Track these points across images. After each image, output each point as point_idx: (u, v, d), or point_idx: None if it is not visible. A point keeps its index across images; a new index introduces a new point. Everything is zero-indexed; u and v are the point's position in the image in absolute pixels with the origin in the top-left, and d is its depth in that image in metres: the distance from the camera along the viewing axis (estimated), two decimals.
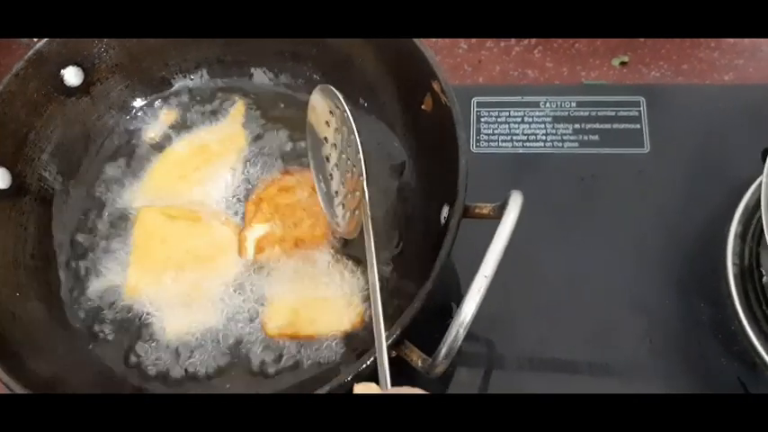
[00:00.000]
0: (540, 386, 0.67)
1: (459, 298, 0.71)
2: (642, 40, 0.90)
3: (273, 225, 0.72)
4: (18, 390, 0.56)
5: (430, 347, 0.55)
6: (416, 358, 0.55)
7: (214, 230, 0.72)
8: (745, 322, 0.67)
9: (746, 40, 0.89)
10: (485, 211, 0.59)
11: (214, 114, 0.79)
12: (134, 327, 0.68)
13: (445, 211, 0.63)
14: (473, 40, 0.93)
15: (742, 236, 0.70)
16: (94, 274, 0.71)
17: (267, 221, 0.72)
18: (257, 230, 0.72)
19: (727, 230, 0.70)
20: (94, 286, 0.71)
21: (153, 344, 0.67)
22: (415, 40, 0.66)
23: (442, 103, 0.63)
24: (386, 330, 0.57)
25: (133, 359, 0.67)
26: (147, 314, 0.69)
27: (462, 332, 0.50)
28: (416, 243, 0.69)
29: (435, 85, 0.64)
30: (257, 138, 0.78)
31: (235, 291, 0.69)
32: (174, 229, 0.71)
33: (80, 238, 0.73)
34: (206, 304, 0.68)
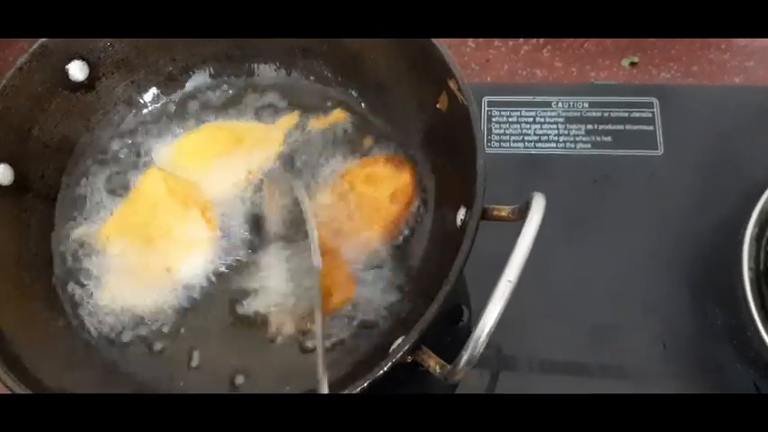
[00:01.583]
0: (550, 389, 0.65)
1: (467, 300, 0.71)
2: (652, 40, 0.89)
3: (338, 205, 0.70)
4: (18, 390, 0.55)
5: (440, 352, 0.54)
6: (434, 364, 0.54)
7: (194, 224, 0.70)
8: (760, 327, 0.66)
9: (757, 42, 0.88)
10: (503, 214, 0.57)
11: (224, 108, 0.78)
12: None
13: (462, 212, 0.61)
14: (481, 39, 0.92)
15: (758, 239, 0.69)
16: (98, 276, 0.69)
17: (336, 200, 0.71)
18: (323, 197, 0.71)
19: (743, 234, 0.69)
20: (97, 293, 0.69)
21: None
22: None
23: (459, 102, 0.62)
24: (403, 335, 0.56)
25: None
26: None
27: (485, 338, 0.49)
28: (430, 246, 0.67)
29: (452, 84, 0.62)
30: None
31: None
32: (168, 202, 0.70)
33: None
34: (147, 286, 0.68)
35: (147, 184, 0.71)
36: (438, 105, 0.66)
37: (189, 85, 0.78)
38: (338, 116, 0.76)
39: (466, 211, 0.60)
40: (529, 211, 0.51)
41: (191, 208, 0.70)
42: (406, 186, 0.71)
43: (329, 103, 0.76)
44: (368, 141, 0.74)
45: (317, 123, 0.76)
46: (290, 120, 0.76)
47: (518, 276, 0.50)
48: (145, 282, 0.68)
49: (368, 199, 0.70)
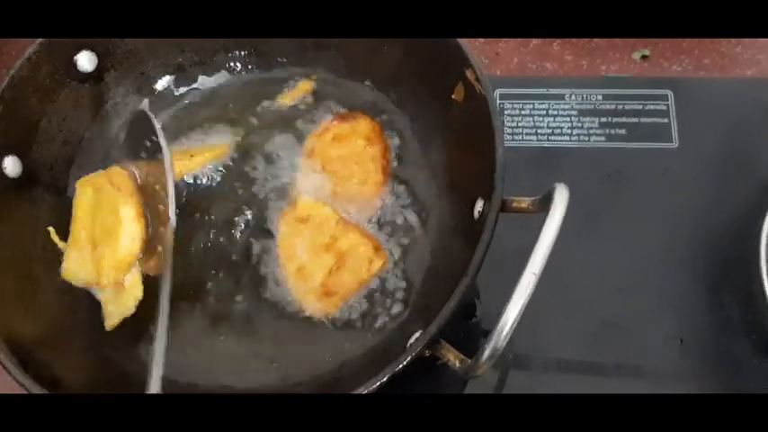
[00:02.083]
0: (565, 387, 0.65)
1: (478, 295, 0.70)
2: None
3: (324, 178, 0.70)
4: (32, 387, 0.54)
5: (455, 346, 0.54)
6: (454, 359, 0.53)
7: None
8: None
9: None
10: (523, 205, 0.57)
11: (232, 100, 0.77)
12: None
13: (479, 204, 0.61)
14: None
15: None
16: None
17: (318, 172, 0.71)
18: (308, 182, 0.70)
19: (759, 227, 0.68)
20: None
21: None
22: None
23: (476, 93, 0.61)
24: (421, 330, 0.55)
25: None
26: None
27: (509, 331, 0.48)
28: (447, 238, 0.66)
29: (469, 74, 0.62)
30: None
31: None
32: (105, 199, 0.67)
33: None
34: None
35: (79, 200, 0.69)
36: (454, 96, 0.65)
37: (199, 77, 0.77)
38: (304, 87, 0.76)
39: (484, 203, 0.59)
40: (552, 202, 0.51)
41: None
42: (372, 126, 0.72)
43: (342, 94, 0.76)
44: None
45: (285, 98, 0.76)
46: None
47: (542, 269, 0.49)
48: None
49: (347, 156, 0.71)
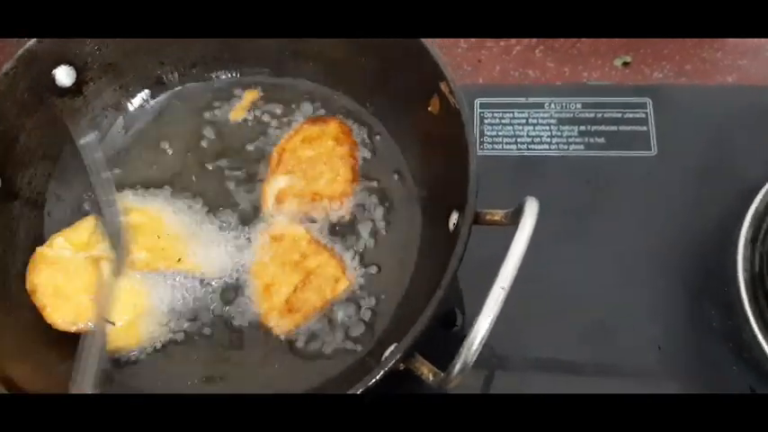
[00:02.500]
0: (545, 390, 0.64)
1: (460, 305, 0.70)
2: (644, 40, 0.88)
3: (293, 178, 0.70)
4: None
5: (433, 357, 0.54)
6: (427, 372, 0.53)
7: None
8: (756, 329, 0.65)
9: (749, 41, 0.88)
10: (496, 218, 0.57)
11: (213, 110, 0.77)
12: None
13: (454, 217, 0.61)
14: (473, 39, 0.91)
15: (752, 241, 0.69)
16: None
17: (287, 174, 0.71)
18: (278, 182, 0.71)
19: (738, 235, 0.69)
20: None
21: None
22: (421, 40, 0.64)
23: (451, 105, 0.61)
24: (395, 342, 0.55)
25: None
26: None
27: (478, 346, 0.48)
28: (422, 250, 0.67)
29: (443, 86, 0.62)
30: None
31: None
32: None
33: None
34: None
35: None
36: (429, 108, 0.66)
37: (177, 89, 0.77)
38: (251, 96, 0.77)
39: (458, 216, 0.59)
40: (522, 215, 0.51)
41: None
42: (341, 128, 0.73)
43: (318, 105, 0.76)
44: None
45: (236, 114, 0.76)
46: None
47: (511, 283, 0.49)
48: None
49: (316, 156, 0.71)
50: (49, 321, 0.64)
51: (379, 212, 0.70)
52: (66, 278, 0.66)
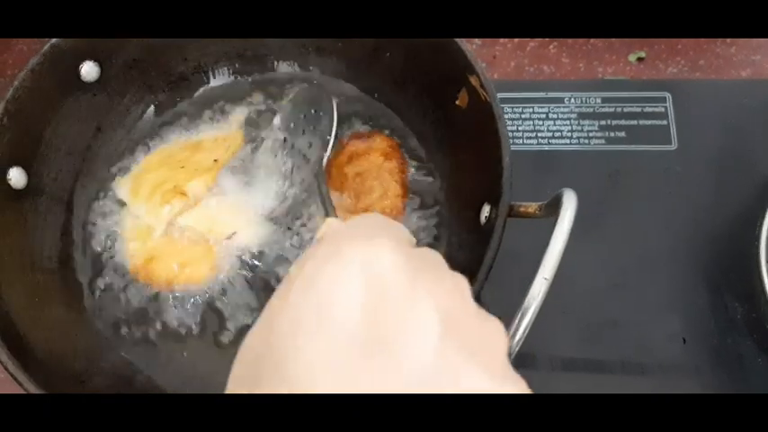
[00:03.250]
0: (567, 388, 0.65)
1: (478, 299, 0.70)
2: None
3: (342, 196, 0.70)
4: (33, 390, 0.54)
5: None
6: None
7: None
8: None
9: None
10: (530, 210, 0.57)
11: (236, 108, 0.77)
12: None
13: (486, 210, 0.61)
14: None
15: None
16: (113, 272, 0.69)
17: (336, 191, 0.70)
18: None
19: (760, 227, 0.69)
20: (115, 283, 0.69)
21: None
22: None
23: (481, 99, 0.61)
24: None
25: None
26: None
27: (521, 337, 0.48)
28: (453, 244, 0.67)
29: (473, 80, 0.62)
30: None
31: None
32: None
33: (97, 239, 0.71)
34: None
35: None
36: (458, 102, 0.66)
37: (201, 86, 0.77)
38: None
39: (491, 209, 0.60)
40: (560, 207, 0.51)
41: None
42: (389, 142, 0.72)
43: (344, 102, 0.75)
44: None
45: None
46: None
47: (554, 274, 0.49)
48: None
49: (365, 172, 0.71)
50: None
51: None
52: None
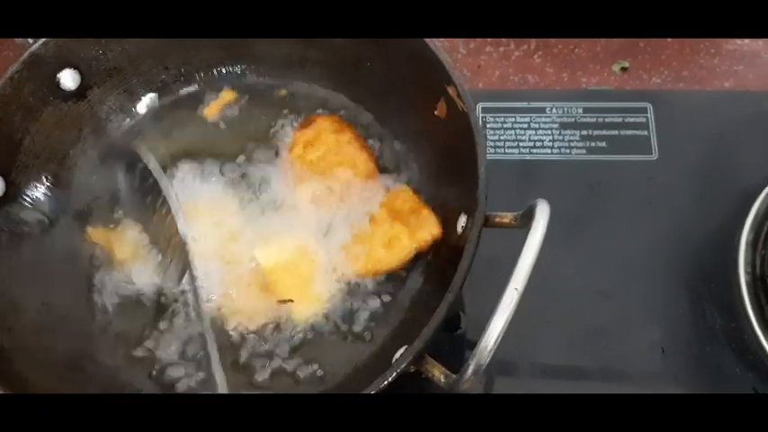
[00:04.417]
0: (549, 391, 0.65)
1: (463, 308, 0.70)
2: (642, 45, 0.89)
3: (316, 183, 0.70)
4: None
5: (438, 360, 0.54)
6: (439, 374, 0.53)
7: None
8: (758, 331, 0.66)
9: (745, 47, 0.89)
10: (505, 220, 0.57)
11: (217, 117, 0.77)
12: None
13: (462, 220, 0.61)
14: (472, 45, 0.91)
15: (753, 244, 0.70)
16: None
17: (309, 181, 0.71)
18: (305, 192, 0.71)
19: (739, 238, 0.69)
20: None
21: None
22: (428, 43, 0.64)
23: (458, 109, 0.62)
24: (406, 345, 0.56)
25: None
26: None
27: (492, 347, 0.48)
28: (429, 253, 0.67)
29: (451, 90, 0.62)
30: None
31: None
32: None
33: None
34: None
35: None
36: (436, 112, 0.66)
37: (182, 93, 0.77)
38: (227, 97, 0.77)
39: (467, 219, 0.60)
40: (533, 218, 0.51)
41: None
42: (332, 119, 0.73)
43: (325, 111, 0.76)
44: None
45: (210, 111, 0.76)
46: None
47: (525, 284, 0.49)
48: None
49: (326, 152, 0.71)
50: None
51: None
52: None
